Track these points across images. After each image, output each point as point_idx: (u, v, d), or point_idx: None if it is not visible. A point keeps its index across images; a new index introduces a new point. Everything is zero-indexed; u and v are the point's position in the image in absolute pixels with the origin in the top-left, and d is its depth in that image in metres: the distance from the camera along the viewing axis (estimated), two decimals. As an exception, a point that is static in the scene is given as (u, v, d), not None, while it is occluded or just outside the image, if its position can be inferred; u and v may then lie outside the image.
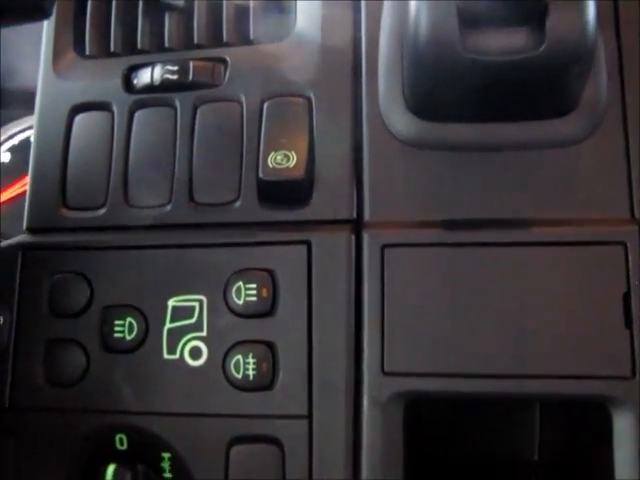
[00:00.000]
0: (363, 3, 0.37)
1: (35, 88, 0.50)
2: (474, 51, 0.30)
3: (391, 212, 0.34)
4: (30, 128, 0.55)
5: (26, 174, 0.53)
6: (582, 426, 0.36)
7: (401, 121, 0.35)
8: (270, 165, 0.35)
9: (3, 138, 0.55)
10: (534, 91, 0.32)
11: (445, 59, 0.31)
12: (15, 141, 0.55)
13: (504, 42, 0.30)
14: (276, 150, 0.35)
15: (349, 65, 0.36)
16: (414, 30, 0.32)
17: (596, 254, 0.32)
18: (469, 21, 0.30)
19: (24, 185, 0.54)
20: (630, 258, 0.32)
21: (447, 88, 0.33)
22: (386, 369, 0.33)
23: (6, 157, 0.55)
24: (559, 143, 0.34)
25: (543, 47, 0.30)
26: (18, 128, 0.55)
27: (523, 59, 0.30)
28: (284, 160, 0.35)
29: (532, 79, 0.31)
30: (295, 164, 0.34)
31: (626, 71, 0.34)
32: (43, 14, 0.29)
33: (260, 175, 0.35)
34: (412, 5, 0.32)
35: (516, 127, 0.34)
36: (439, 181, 0.34)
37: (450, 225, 0.34)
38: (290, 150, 0.35)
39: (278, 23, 0.39)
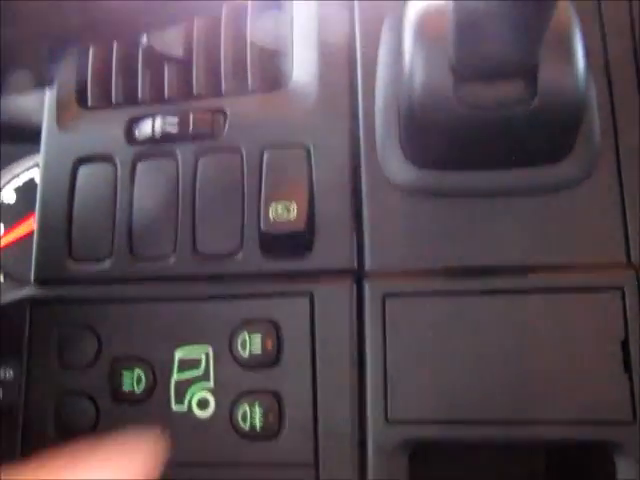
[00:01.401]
0: (359, 53, 0.38)
1: (36, 123, 0.51)
2: (468, 105, 0.31)
3: (391, 261, 0.35)
4: (34, 167, 0.55)
5: (32, 213, 0.54)
6: (587, 469, 0.36)
7: (399, 169, 0.35)
8: (271, 217, 0.35)
9: (8, 178, 0.56)
10: (529, 141, 0.33)
11: (439, 113, 0.32)
12: (20, 181, 0.56)
13: (497, 95, 0.31)
14: (277, 201, 0.35)
15: (346, 114, 0.37)
16: (408, 84, 0.32)
17: (594, 300, 0.33)
18: (462, 75, 0.31)
19: (30, 225, 0.54)
20: (627, 304, 0.32)
21: (442, 140, 0.33)
22: (390, 417, 0.33)
23: (11, 197, 0.55)
24: (554, 188, 0.34)
25: (536, 101, 0.30)
26: (22, 167, 0.56)
27: (517, 113, 0.31)
28: (285, 212, 0.35)
29: (526, 131, 0.32)
30: (296, 216, 0.35)
31: (618, 113, 0.35)
32: (49, 84, 0.30)
33: (262, 228, 0.35)
34: (406, 60, 0.32)
35: (511, 174, 0.34)
36: (438, 228, 0.35)
37: (449, 273, 0.34)
38: (290, 201, 0.35)
39: (275, 72, 0.39)
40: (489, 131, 0.32)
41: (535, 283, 0.33)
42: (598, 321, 0.33)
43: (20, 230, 0.54)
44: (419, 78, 0.32)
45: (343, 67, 0.38)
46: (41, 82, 0.30)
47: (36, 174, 0.55)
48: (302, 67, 0.38)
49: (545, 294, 0.33)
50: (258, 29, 0.39)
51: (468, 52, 0.30)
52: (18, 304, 0.38)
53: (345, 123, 0.37)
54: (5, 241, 0.54)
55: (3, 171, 0.56)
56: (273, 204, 0.35)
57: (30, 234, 0.54)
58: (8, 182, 0.56)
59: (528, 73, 0.30)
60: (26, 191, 0.56)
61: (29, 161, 0.56)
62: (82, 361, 0.37)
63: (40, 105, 0.45)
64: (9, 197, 0.56)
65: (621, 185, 0.34)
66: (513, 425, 0.33)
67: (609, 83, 0.35)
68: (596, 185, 0.34)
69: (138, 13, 0.29)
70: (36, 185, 0.54)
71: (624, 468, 0.32)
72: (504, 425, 0.33)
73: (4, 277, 0.53)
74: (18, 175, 0.56)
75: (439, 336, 0.33)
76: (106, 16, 0.28)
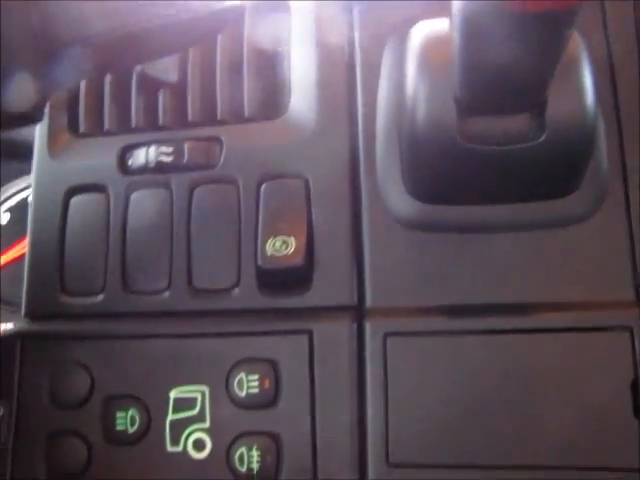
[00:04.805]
0: (359, 80, 0.37)
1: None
2: (473, 140, 0.30)
3: (393, 297, 0.34)
4: (29, 187, 0.54)
5: (24, 237, 0.53)
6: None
7: (401, 204, 0.34)
8: (269, 252, 0.34)
9: (2, 198, 0.55)
10: (535, 176, 0.32)
11: (443, 148, 0.30)
12: (13, 202, 0.55)
13: (503, 130, 0.30)
14: (274, 236, 0.34)
15: (346, 145, 0.36)
16: (411, 117, 0.31)
17: (601, 340, 0.32)
18: (467, 109, 0.30)
19: (24, 247, 0.53)
20: (637, 344, 0.31)
21: (445, 174, 0.32)
22: (391, 460, 0.32)
23: (5, 218, 0.54)
24: (561, 223, 0.33)
25: (543, 136, 0.29)
26: (16, 188, 0.55)
27: (523, 148, 0.30)
28: (283, 246, 0.34)
29: (533, 166, 0.31)
30: (294, 250, 0.34)
31: (627, 147, 0.34)
32: (34, 121, 0.29)
33: (259, 263, 0.34)
34: (409, 91, 0.31)
35: (516, 208, 0.33)
36: (441, 264, 0.34)
37: (452, 311, 0.33)
38: (289, 236, 0.34)
39: (273, 99, 0.38)
40: (494, 166, 0.31)
41: (539, 323, 0.32)
42: (605, 362, 0.31)
43: (14, 252, 0.53)
44: (422, 110, 0.30)
45: (342, 94, 0.37)
46: (27, 120, 0.29)
47: (30, 194, 0.54)
48: (300, 94, 0.37)
49: (550, 334, 0.32)
50: (254, 54, 0.38)
51: (473, 87, 0.29)
52: (8, 339, 0.37)
53: (345, 153, 0.36)
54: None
55: (-2, 192, 0.55)
56: (271, 239, 0.34)
57: (24, 256, 0.53)
58: (1, 203, 0.55)
59: (536, 107, 0.29)
60: (19, 211, 0.55)
61: (22, 181, 0.55)
62: (74, 399, 0.36)
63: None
64: (2, 218, 0.55)
65: (629, 221, 0.33)
66: (517, 470, 0.31)
67: (617, 116, 0.34)
68: (603, 221, 0.33)
69: (129, 47, 0.28)
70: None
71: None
72: (508, 470, 0.32)
73: (-2, 302, 0.52)
74: (12, 196, 0.55)
75: (441, 376, 0.32)
76: (97, 50, 0.27)
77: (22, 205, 0.55)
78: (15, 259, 0.54)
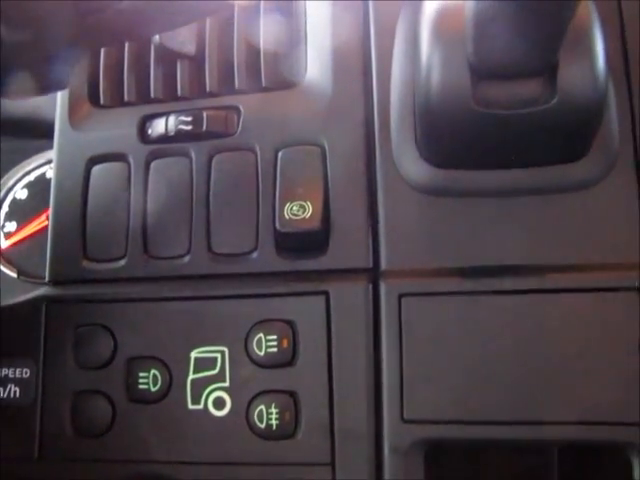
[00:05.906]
0: (373, 50, 0.37)
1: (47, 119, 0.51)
2: (486, 105, 0.31)
3: (407, 260, 0.35)
4: (47, 163, 0.55)
5: (44, 210, 0.54)
6: (601, 469, 0.36)
7: (415, 169, 0.35)
8: (286, 216, 0.35)
9: (20, 174, 0.56)
10: (546, 140, 0.32)
11: (457, 113, 0.31)
12: (32, 177, 0.56)
13: (516, 94, 0.31)
14: (292, 201, 0.35)
15: (361, 112, 0.37)
16: (425, 83, 0.32)
17: (609, 301, 0.32)
18: (480, 74, 0.31)
19: (43, 222, 0.54)
20: None
21: (459, 139, 0.33)
22: (406, 417, 0.33)
23: (23, 193, 0.55)
24: (571, 187, 0.34)
25: (555, 100, 0.30)
26: (34, 164, 0.56)
27: (535, 112, 0.30)
28: (300, 211, 0.35)
29: (544, 130, 0.31)
30: (311, 215, 0.35)
31: (637, 112, 0.34)
32: (60, 87, 0.30)
33: (277, 227, 0.35)
34: (423, 57, 0.32)
35: (528, 173, 0.34)
36: (454, 228, 0.34)
37: (466, 273, 0.34)
38: (305, 200, 0.35)
39: (289, 70, 0.39)
40: (506, 130, 0.32)
41: (551, 283, 0.33)
42: (613, 322, 0.32)
43: (33, 227, 0.54)
44: (436, 76, 0.31)
45: (357, 64, 0.37)
46: (48, 85, 0.29)
47: (48, 170, 0.55)
48: (316, 64, 0.38)
49: (561, 294, 0.33)
50: (271, 26, 0.39)
51: (487, 50, 0.30)
52: (33, 303, 0.38)
53: (360, 121, 0.37)
54: (18, 237, 0.55)
55: (15, 168, 0.56)
56: (288, 203, 0.35)
57: (43, 230, 0.54)
58: (20, 179, 0.56)
59: (547, 72, 0.30)
60: (38, 187, 0.56)
61: (41, 158, 0.56)
62: (98, 361, 0.37)
63: (51, 100, 0.45)
64: (21, 193, 0.56)
65: (639, 186, 0.34)
66: (528, 426, 0.32)
67: (628, 83, 0.35)
68: (613, 186, 0.34)
69: (150, 15, 0.29)
70: (48, 181, 0.54)
71: (641, 470, 0.31)
72: (519, 426, 0.32)
73: (18, 274, 0.53)
74: (30, 172, 0.56)
75: (455, 336, 0.33)
76: (118, 17, 0.28)
77: (40, 181, 0.56)
78: (33, 233, 0.55)
